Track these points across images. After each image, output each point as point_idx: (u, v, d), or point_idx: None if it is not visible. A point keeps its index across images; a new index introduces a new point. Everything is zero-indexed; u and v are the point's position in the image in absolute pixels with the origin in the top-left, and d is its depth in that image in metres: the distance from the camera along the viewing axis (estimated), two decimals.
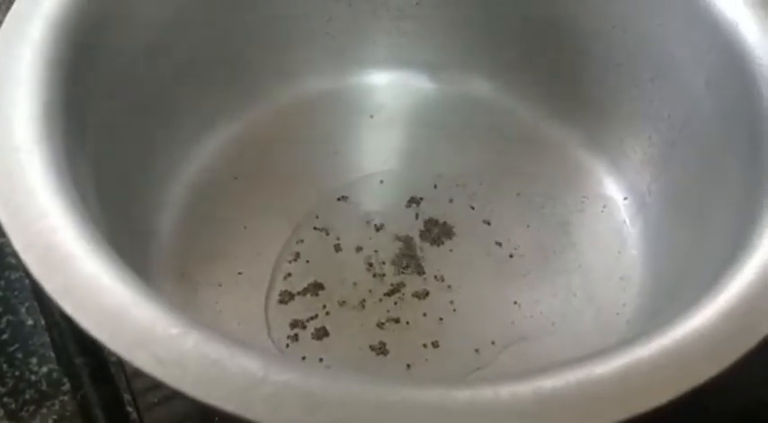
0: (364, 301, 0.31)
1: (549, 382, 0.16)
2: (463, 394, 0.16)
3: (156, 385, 0.34)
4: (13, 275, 0.39)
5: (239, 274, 0.32)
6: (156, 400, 0.33)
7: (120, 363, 0.35)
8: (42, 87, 0.22)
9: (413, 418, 0.15)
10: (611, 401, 0.16)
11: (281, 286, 0.32)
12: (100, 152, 0.25)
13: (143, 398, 0.33)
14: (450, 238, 0.33)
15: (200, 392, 0.16)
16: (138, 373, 0.34)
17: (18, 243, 0.18)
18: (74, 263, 0.18)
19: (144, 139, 0.31)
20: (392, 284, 0.32)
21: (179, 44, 0.31)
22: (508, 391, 0.16)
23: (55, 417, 0.34)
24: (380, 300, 0.31)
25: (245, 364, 0.16)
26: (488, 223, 0.34)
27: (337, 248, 0.33)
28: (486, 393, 0.16)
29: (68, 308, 0.17)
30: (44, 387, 0.35)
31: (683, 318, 0.18)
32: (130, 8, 0.27)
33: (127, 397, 0.34)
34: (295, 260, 0.32)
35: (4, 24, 0.23)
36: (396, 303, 0.31)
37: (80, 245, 0.18)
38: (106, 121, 0.26)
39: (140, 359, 0.16)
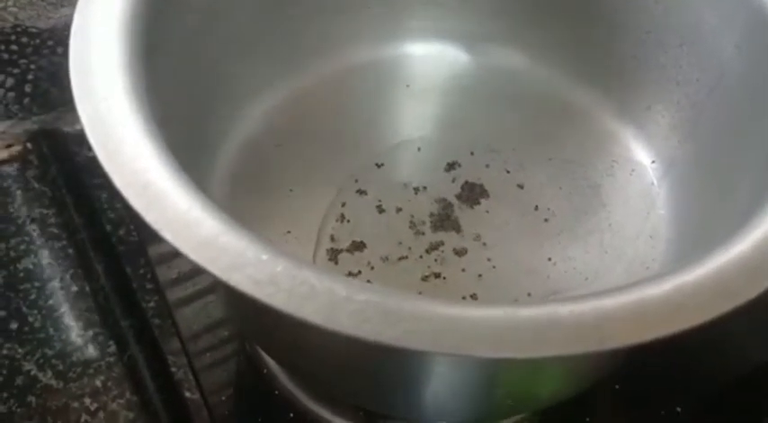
0: (406, 257, 0.33)
1: (606, 302, 0.18)
2: (525, 311, 0.18)
3: (212, 347, 0.36)
4: (57, 244, 0.40)
5: (288, 233, 0.33)
6: (211, 362, 0.35)
7: (174, 325, 0.36)
8: (123, 46, 0.23)
9: (480, 329, 0.17)
10: (662, 318, 0.18)
11: (327, 244, 0.33)
12: (165, 113, 0.27)
13: (198, 360, 0.35)
14: (487, 200, 0.35)
15: (292, 308, 0.17)
16: (195, 336, 0.36)
17: (118, 181, 0.20)
18: (168, 198, 0.19)
19: (196, 106, 0.32)
20: (432, 242, 0.34)
21: (230, 15, 0.32)
22: (568, 309, 0.18)
23: (102, 378, 0.36)
24: (421, 256, 0.33)
25: (331, 285, 0.18)
26: (522, 186, 0.36)
27: (379, 210, 0.35)
28: (547, 310, 0.18)
29: (168, 236, 0.19)
30: (90, 349, 0.37)
31: (721, 248, 0.20)
32: None
33: (171, 358, 0.36)
34: (339, 220, 0.34)
35: None
36: (436, 260, 0.33)
37: (171, 183, 0.20)
38: (169, 84, 0.28)
39: (236, 280, 0.18)
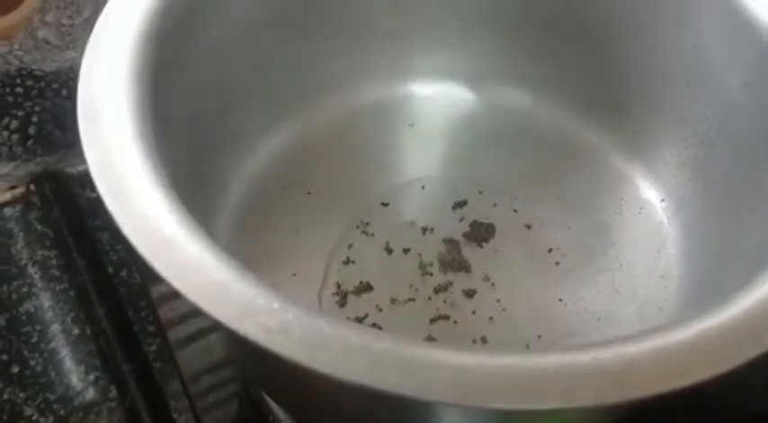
0: (414, 299, 0.33)
1: (629, 348, 0.17)
2: (546, 359, 0.17)
3: (214, 388, 0.35)
4: (59, 287, 0.40)
5: (294, 275, 0.33)
6: (213, 402, 0.35)
7: (176, 368, 0.36)
8: (131, 92, 0.23)
9: (501, 379, 0.17)
10: (687, 365, 0.17)
11: (333, 286, 0.33)
12: (172, 157, 0.27)
13: (200, 401, 0.34)
14: (495, 240, 0.35)
15: (304, 358, 0.17)
16: (196, 377, 0.35)
17: (126, 227, 0.19)
18: (177, 244, 0.19)
19: (202, 148, 0.32)
20: (440, 283, 0.33)
21: (234, 60, 0.33)
22: (591, 356, 0.17)
23: (103, 422, 0.35)
24: (430, 298, 0.33)
25: (344, 334, 0.17)
26: (530, 226, 0.35)
27: (386, 250, 0.34)
28: (569, 358, 0.17)
29: (176, 284, 0.18)
30: (92, 394, 0.36)
31: (747, 290, 0.19)
32: (209, 11, 0.29)
33: (173, 403, 0.35)
34: (346, 262, 0.34)
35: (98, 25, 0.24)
36: (445, 302, 0.33)
37: (180, 229, 0.20)
38: (175, 129, 0.28)
39: (246, 328, 0.17)
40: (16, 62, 0.44)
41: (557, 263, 0.34)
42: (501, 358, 0.17)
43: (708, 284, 0.31)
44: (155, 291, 0.38)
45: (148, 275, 0.39)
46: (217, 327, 0.18)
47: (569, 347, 0.18)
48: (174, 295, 0.37)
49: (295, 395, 0.26)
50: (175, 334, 0.36)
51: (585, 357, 0.17)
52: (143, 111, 0.23)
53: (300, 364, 0.17)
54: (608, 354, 0.17)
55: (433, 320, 0.32)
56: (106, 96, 0.23)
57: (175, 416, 0.35)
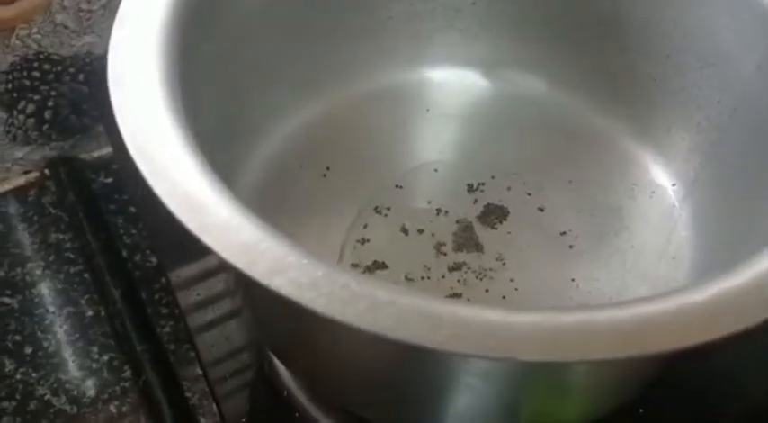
0: (428, 278, 0.33)
1: (646, 308, 0.18)
2: (568, 316, 0.18)
3: (232, 372, 0.35)
4: (73, 269, 0.40)
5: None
6: (231, 387, 0.35)
7: (196, 352, 0.36)
8: (159, 64, 0.24)
9: (524, 333, 0.17)
10: (704, 324, 0.18)
11: (349, 264, 0.33)
12: (196, 130, 0.27)
13: (219, 385, 0.35)
14: (508, 222, 0.35)
15: (334, 312, 0.17)
16: (216, 362, 0.35)
17: (160, 191, 0.20)
18: (208, 206, 0.20)
19: (222, 126, 0.33)
20: (454, 263, 0.34)
21: (255, 40, 0.33)
22: (609, 314, 0.18)
23: (117, 403, 0.35)
24: (444, 277, 0.33)
25: (372, 290, 0.18)
26: (543, 208, 0.36)
27: (400, 230, 0.35)
28: (588, 315, 0.18)
29: (209, 241, 0.19)
30: (105, 374, 0.36)
31: (762, 255, 0.20)
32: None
33: (186, 384, 0.36)
34: (361, 241, 0.34)
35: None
36: (458, 281, 0.33)
37: (211, 193, 0.20)
38: (200, 102, 0.28)
39: (278, 283, 0.18)
40: (34, 46, 0.44)
41: (570, 246, 0.34)
42: (523, 315, 0.18)
43: (718, 266, 0.31)
44: (174, 275, 0.38)
45: (167, 260, 0.39)
46: (247, 285, 0.19)
47: (589, 307, 0.18)
48: (193, 280, 0.38)
49: (315, 359, 0.26)
50: (194, 320, 0.37)
51: (603, 315, 0.18)
52: (171, 83, 0.24)
53: (330, 318, 0.17)
54: (625, 312, 0.18)
55: (447, 298, 0.32)
56: (136, 68, 0.23)
57: (189, 396, 0.35)
